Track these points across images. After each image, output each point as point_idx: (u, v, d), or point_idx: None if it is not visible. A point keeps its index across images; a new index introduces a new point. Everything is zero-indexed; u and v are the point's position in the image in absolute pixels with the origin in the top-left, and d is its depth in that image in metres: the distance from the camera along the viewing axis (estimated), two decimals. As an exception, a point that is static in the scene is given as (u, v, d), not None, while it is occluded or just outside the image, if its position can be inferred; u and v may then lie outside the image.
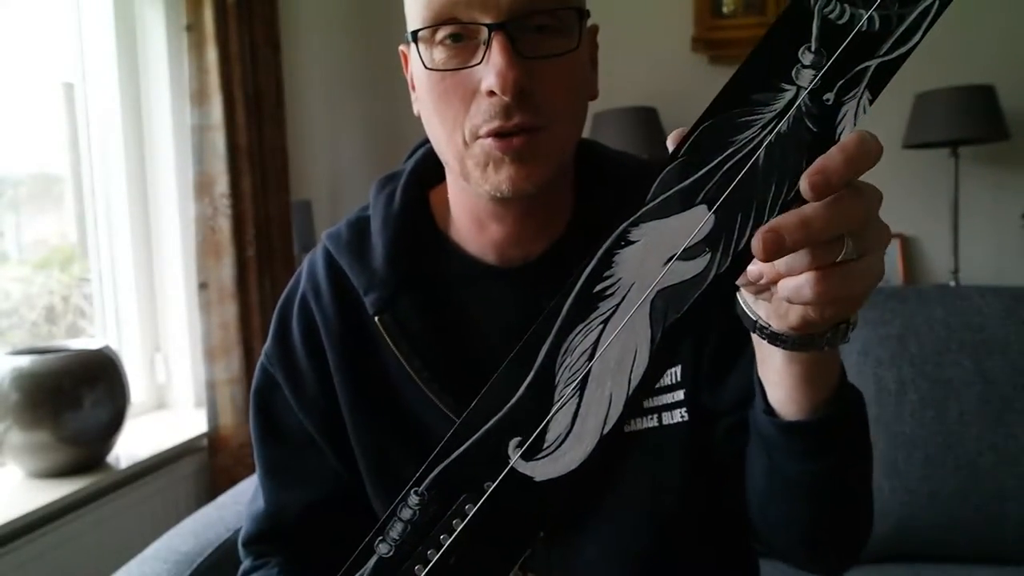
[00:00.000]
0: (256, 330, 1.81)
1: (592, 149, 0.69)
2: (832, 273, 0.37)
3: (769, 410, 0.52)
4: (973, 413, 1.26)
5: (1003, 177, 2.49)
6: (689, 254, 0.38)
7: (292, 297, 0.71)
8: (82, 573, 1.37)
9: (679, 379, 0.63)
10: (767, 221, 0.36)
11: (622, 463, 0.63)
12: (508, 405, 0.39)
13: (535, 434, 0.39)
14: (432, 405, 0.63)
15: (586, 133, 0.65)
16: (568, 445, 0.39)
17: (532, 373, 0.39)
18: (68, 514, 1.36)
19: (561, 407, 0.39)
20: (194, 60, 1.74)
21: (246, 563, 0.72)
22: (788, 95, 0.36)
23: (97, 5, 1.73)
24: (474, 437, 0.40)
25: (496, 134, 0.54)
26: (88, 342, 1.49)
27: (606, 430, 0.39)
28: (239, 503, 1.13)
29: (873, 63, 0.36)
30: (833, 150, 0.35)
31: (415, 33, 0.56)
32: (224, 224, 1.76)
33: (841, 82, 0.36)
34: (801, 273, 0.38)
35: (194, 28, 1.74)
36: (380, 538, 0.41)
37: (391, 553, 0.41)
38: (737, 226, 0.37)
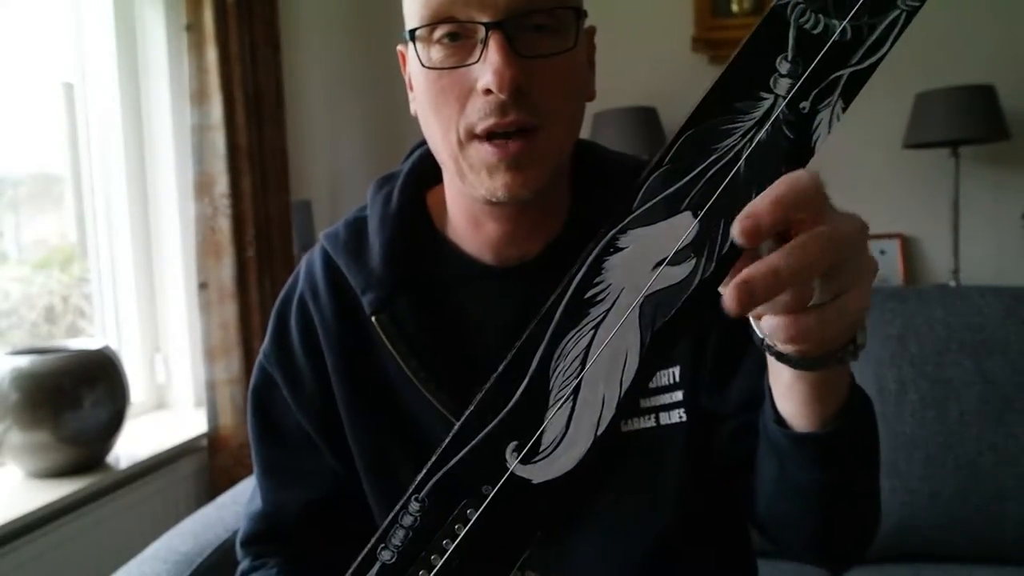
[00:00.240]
0: (256, 330, 1.81)
1: (591, 149, 0.69)
2: (806, 316, 0.37)
3: (779, 419, 0.52)
4: (973, 413, 1.26)
5: (1003, 177, 2.49)
6: (675, 260, 0.38)
7: (290, 297, 0.71)
8: (82, 573, 1.37)
9: (677, 380, 0.63)
10: None
11: (620, 463, 0.63)
12: (505, 410, 0.40)
13: (532, 438, 0.40)
14: (429, 405, 0.63)
15: (585, 133, 0.65)
16: (564, 447, 0.40)
17: (527, 378, 0.40)
18: (68, 514, 1.36)
19: (556, 411, 0.40)
20: (194, 60, 1.74)
21: (244, 563, 0.72)
22: (767, 103, 0.37)
23: (97, 5, 1.73)
24: (472, 442, 0.40)
25: (492, 132, 0.54)
26: (88, 342, 1.49)
27: (600, 432, 0.40)
28: (239, 503, 1.13)
29: (846, 72, 0.36)
30: (763, 193, 0.36)
31: (413, 32, 0.56)
32: (224, 224, 1.76)
33: (816, 91, 0.36)
34: (777, 315, 0.38)
35: (194, 28, 1.74)
36: (383, 545, 0.41)
37: (394, 560, 0.41)
38: (720, 232, 0.37)
